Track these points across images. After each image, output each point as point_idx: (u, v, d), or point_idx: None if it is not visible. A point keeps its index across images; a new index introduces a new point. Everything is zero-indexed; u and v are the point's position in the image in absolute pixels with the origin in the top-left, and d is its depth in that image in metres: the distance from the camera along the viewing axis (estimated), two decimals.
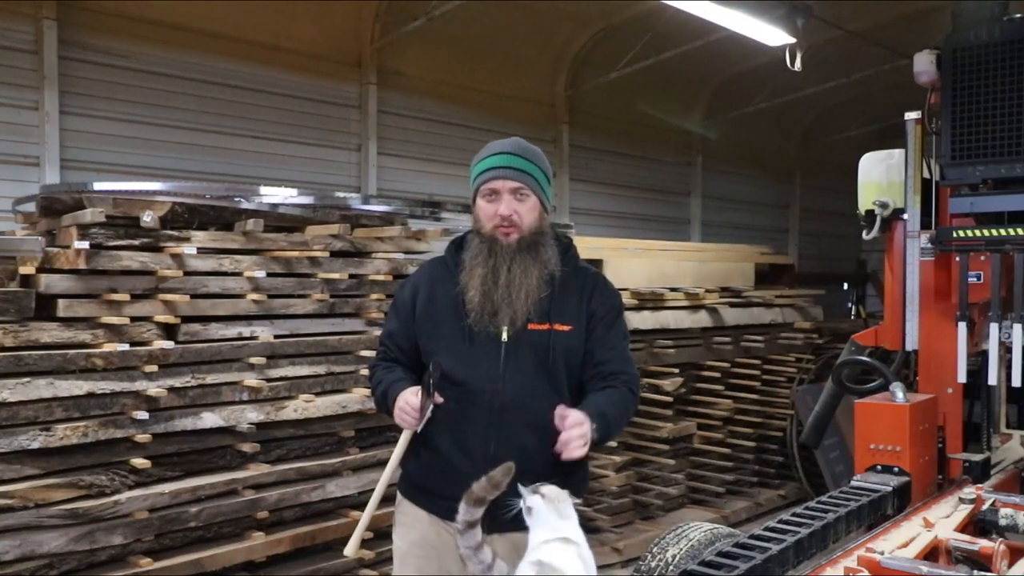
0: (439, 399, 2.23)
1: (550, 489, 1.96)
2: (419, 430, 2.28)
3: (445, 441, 2.28)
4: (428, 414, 2.24)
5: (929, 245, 3.56)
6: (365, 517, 2.40)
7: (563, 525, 1.99)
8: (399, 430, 2.37)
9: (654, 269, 6.05)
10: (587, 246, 6.01)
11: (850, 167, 4.19)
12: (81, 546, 3.30)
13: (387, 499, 2.54)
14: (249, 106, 7.31)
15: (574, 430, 2.06)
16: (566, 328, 2.29)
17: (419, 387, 2.24)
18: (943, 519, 2.96)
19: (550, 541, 1.96)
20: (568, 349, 2.30)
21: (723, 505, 6.22)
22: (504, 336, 2.26)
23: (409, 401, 2.23)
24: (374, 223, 4.59)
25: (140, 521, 3.44)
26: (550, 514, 1.94)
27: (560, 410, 2.09)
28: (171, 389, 3.60)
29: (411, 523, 2.39)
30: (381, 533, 3.86)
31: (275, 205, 4.32)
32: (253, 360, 3.87)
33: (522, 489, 1.96)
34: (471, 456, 2.22)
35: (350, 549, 2.43)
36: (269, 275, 4.02)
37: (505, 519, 2.03)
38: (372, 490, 2.43)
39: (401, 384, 2.32)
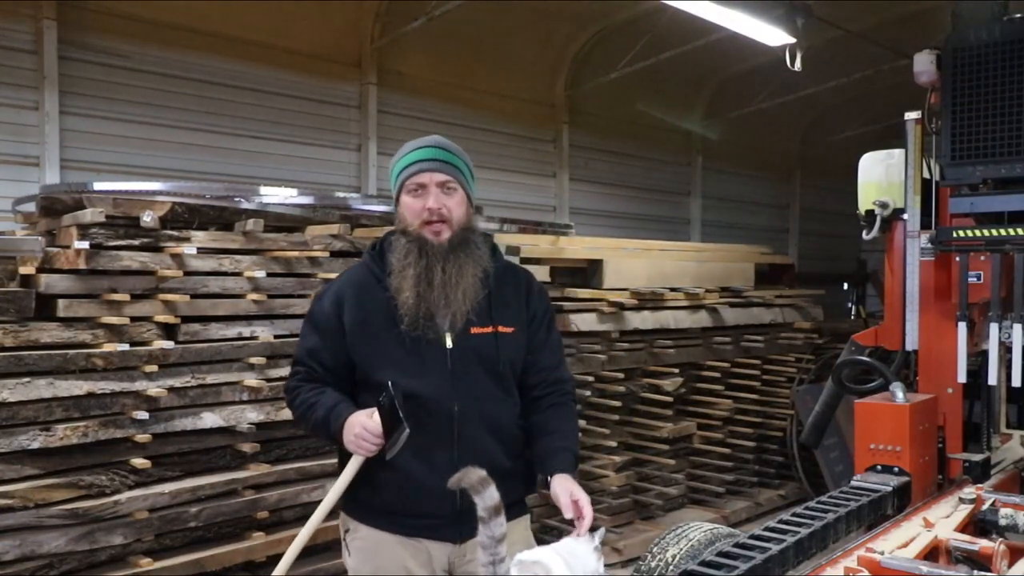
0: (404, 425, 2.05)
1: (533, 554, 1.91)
2: (388, 458, 2.09)
3: (404, 457, 2.10)
4: (402, 442, 2.05)
5: (929, 245, 3.55)
6: (300, 541, 2.22)
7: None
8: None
9: (654, 269, 6.04)
10: (586, 246, 6.02)
11: (850, 167, 4.19)
12: (81, 546, 3.30)
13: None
14: (249, 106, 7.30)
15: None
16: (509, 330, 2.24)
17: (373, 410, 2.07)
18: (943, 519, 2.95)
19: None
20: (513, 351, 2.26)
21: (723, 505, 6.21)
22: (448, 342, 2.17)
23: (367, 426, 2.06)
24: (374, 223, 4.60)
25: (140, 521, 3.44)
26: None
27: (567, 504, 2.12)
28: (171, 389, 3.60)
29: (374, 548, 2.23)
30: None
31: (275, 205, 4.32)
32: (253, 360, 3.87)
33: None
34: (434, 467, 2.11)
35: (280, 570, 2.24)
36: (269, 275, 4.02)
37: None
38: None
39: (345, 407, 2.15)
